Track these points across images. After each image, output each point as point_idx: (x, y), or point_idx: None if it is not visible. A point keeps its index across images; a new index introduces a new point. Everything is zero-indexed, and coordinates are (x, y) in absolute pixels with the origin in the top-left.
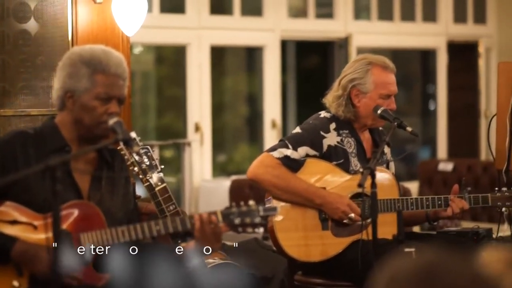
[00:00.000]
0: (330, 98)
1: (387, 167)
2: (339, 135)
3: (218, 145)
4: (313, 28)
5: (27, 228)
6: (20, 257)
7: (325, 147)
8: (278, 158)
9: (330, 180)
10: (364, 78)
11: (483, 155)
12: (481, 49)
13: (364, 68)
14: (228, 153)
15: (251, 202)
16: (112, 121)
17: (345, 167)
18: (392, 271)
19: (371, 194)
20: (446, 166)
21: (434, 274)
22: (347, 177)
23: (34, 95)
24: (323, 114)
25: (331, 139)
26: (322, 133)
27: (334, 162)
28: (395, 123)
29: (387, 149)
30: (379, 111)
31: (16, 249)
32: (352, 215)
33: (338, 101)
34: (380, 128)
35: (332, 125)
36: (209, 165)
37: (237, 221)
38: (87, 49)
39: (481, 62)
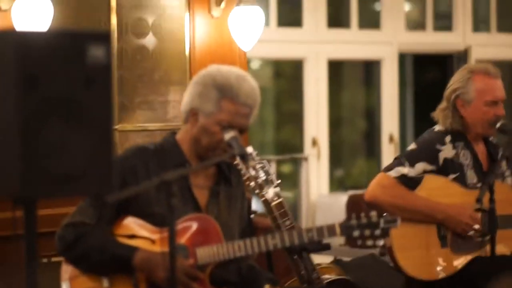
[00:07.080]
0: (437, 111)
1: (503, 180)
2: (454, 147)
3: (335, 159)
4: (431, 41)
5: (145, 243)
6: (142, 265)
7: (441, 160)
8: (395, 178)
9: (448, 196)
10: (466, 87)
11: None
12: None
13: (465, 76)
14: (345, 167)
15: (372, 213)
16: (228, 136)
17: (462, 181)
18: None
19: (489, 209)
20: None
21: None
22: (465, 192)
23: (151, 110)
24: (437, 127)
25: (447, 151)
26: (438, 146)
27: (451, 176)
28: None
29: (503, 162)
30: (497, 125)
31: (138, 257)
32: (477, 226)
33: (444, 113)
34: (493, 140)
35: (448, 138)
36: (326, 179)
37: (356, 233)
38: (223, 72)
39: None
